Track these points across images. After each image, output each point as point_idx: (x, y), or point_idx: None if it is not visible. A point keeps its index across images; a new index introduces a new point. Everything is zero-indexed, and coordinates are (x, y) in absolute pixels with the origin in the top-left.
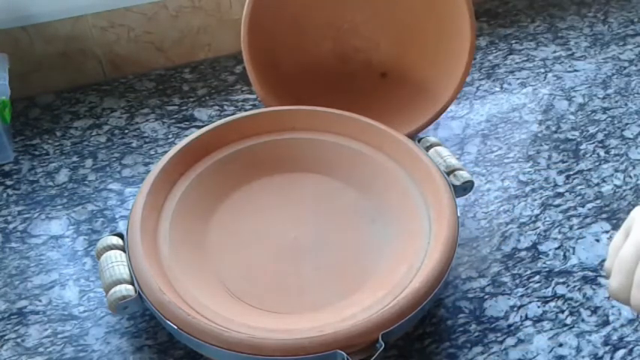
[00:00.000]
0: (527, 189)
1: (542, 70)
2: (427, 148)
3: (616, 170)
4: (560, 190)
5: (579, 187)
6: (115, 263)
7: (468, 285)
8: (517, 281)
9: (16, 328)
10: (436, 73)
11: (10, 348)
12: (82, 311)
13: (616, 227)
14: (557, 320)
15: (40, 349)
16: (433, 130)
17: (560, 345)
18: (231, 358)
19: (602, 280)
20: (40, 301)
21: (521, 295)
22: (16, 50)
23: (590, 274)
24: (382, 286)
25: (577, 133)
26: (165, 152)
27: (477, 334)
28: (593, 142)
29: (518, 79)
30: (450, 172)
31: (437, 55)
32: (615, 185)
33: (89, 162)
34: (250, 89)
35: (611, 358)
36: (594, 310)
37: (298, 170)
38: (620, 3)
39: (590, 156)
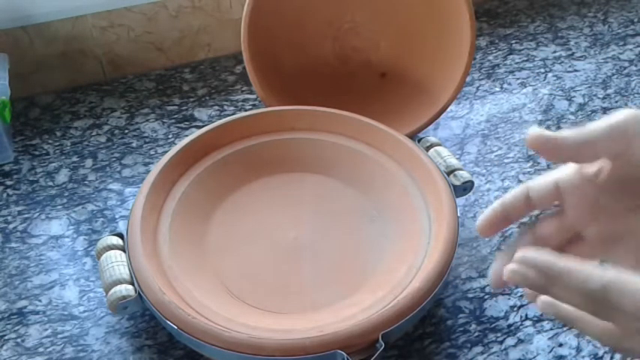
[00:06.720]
0: None
1: (542, 70)
2: (427, 148)
3: None
4: None
5: None
6: (115, 263)
7: (468, 285)
8: None
9: (16, 328)
10: (436, 73)
11: (10, 348)
12: (82, 311)
13: None
14: (557, 320)
15: (40, 349)
16: (433, 130)
17: (560, 345)
18: (231, 358)
19: None
20: (40, 301)
21: (521, 295)
22: (16, 50)
23: None
24: (382, 286)
25: None
26: (165, 152)
27: (477, 334)
28: None
29: (518, 79)
30: (450, 172)
31: (437, 55)
32: None
33: (89, 162)
34: (250, 89)
35: (611, 358)
36: None
37: (298, 170)
38: (620, 3)
39: None
